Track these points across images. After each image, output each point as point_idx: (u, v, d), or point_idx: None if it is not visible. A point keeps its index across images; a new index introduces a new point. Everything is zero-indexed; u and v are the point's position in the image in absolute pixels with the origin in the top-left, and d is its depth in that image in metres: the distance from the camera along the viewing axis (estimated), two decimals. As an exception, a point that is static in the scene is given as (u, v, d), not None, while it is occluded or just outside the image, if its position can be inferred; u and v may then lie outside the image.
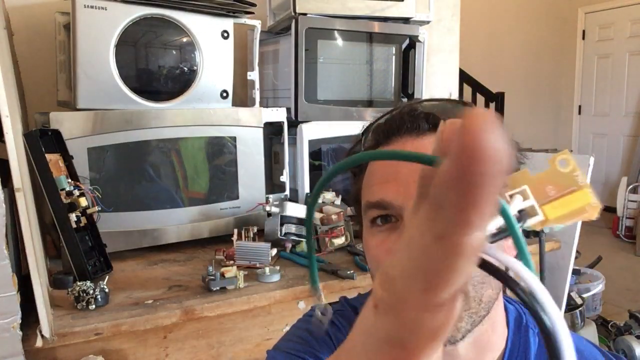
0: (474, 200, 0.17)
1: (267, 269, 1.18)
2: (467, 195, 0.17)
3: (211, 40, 1.45)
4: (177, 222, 1.42)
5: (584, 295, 2.34)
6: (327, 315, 0.32)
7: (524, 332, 0.60)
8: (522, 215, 0.28)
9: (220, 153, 1.49)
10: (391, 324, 0.20)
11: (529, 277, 0.23)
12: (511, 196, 0.28)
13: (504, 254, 0.25)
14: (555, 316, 0.22)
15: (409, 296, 0.19)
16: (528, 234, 0.29)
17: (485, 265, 0.24)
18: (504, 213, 0.24)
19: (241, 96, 1.75)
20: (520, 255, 0.25)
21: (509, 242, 0.57)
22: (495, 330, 0.58)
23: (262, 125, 1.52)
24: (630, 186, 4.64)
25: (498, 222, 0.25)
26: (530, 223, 0.28)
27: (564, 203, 0.28)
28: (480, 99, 4.43)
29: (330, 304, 0.73)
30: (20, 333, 0.87)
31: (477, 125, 0.17)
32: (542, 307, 0.22)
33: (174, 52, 1.46)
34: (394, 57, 1.79)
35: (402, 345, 0.20)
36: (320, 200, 1.48)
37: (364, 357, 0.22)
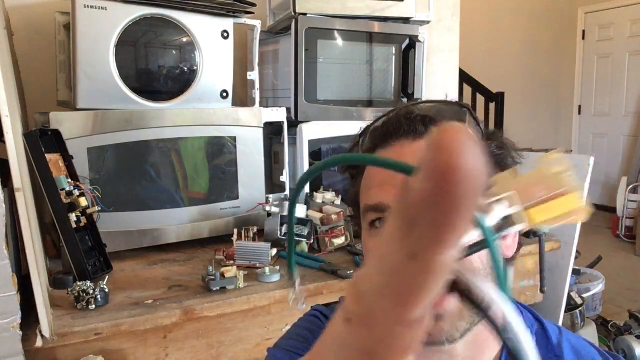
0: (450, 220, 0.17)
1: (267, 269, 1.18)
2: (443, 216, 0.17)
3: (211, 40, 1.45)
4: (177, 222, 1.42)
5: (584, 295, 2.33)
6: (301, 298, 0.34)
7: None
8: (507, 222, 0.28)
9: (220, 153, 1.49)
10: (364, 338, 0.20)
11: (498, 302, 0.23)
12: (496, 202, 0.28)
13: (474, 277, 0.25)
14: (523, 337, 0.22)
15: (380, 312, 0.19)
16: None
17: (459, 288, 0.24)
18: (482, 228, 0.24)
19: (241, 96, 1.75)
20: (495, 269, 0.25)
21: (507, 242, 0.58)
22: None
23: (262, 125, 1.52)
24: (630, 186, 4.64)
25: (476, 234, 0.25)
26: (515, 230, 0.28)
27: (552, 207, 0.27)
28: (480, 99, 4.43)
29: (330, 304, 0.73)
30: (20, 333, 0.87)
31: (452, 143, 0.16)
32: (512, 331, 0.22)
33: (174, 52, 1.46)
34: (394, 57, 1.79)
35: (374, 358, 0.20)
36: (320, 200, 1.48)
37: None
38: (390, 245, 0.18)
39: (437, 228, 0.17)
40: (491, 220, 0.27)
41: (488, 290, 0.24)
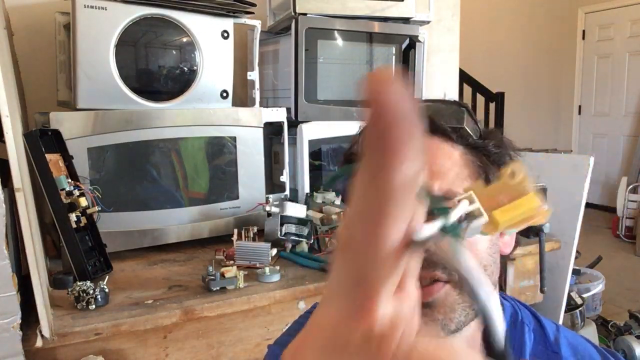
0: (388, 142, 0.20)
1: (267, 269, 1.18)
2: (381, 139, 0.20)
3: (211, 40, 1.45)
4: (177, 222, 1.42)
5: (584, 295, 2.33)
6: None
7: (519, 328, 0.61)
8: (469, 217, 0.31)
9: (220, 153, 1.49)
10: (351, 262, 0.23)
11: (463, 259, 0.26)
12: (459, 201, 0.32)
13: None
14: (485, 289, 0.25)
15: (359, 234, 0.22)
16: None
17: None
18: (442, 212, 0.28)
19: (241, 96, 1.75)
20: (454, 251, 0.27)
21: (504, 239, 0.58)
22: None
23: (262, 125, 1.52)
24: (630, 186, 4.64)
25: (438, 224, 0.28)
26: (477, 224, 0.31)
27: (512, 207, 0.31)
28: (480, 99, 4.43)
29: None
30: (20, 333, 0.87)
31: (377, 80, 0.20)
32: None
33: (174, 52, 1.46)
34: (394, 57, 1.79)
35: (363, 282, 0.22)
36: (320, 200, 1.48)
37: (336, 299, 0.24)
38: (360, 177, 0.22)
39: (381, 150, 0.20)
40: (455, 214, 0.31)
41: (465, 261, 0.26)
